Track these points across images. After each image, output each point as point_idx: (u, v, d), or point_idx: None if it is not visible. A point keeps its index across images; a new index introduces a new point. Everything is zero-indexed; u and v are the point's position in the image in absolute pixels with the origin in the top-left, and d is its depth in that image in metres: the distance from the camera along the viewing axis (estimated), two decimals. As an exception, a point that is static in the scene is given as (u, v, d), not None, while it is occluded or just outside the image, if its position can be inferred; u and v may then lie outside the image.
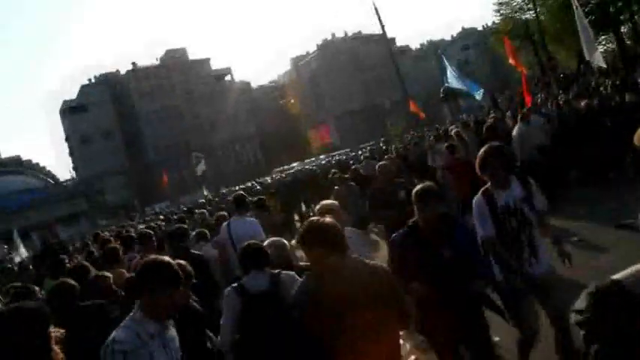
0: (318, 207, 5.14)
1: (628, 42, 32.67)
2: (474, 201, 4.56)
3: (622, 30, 33.28)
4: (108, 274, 5.55)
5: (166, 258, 3.22)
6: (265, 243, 4.68)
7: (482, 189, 4.53)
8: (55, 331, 2.45)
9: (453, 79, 20.55)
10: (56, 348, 2.39)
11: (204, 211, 13.78)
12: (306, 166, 30.56)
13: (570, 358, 4.22)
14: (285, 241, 4.80)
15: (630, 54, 26.12)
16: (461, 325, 3.99)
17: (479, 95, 20.40)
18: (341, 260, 3.26)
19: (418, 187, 4.05)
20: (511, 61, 18.29)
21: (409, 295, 3.82)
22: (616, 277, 1.31)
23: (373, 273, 3.33)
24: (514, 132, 12.22)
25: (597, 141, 11.87)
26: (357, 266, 3.33)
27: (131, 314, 3.13)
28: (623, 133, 7.98)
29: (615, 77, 15.67)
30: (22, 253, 19.56)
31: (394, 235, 4.26)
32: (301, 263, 4.73)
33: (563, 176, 11.79)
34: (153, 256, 3.30)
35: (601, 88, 15.43)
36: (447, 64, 21.24)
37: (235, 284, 4.16)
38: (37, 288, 5.08)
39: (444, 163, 11.61)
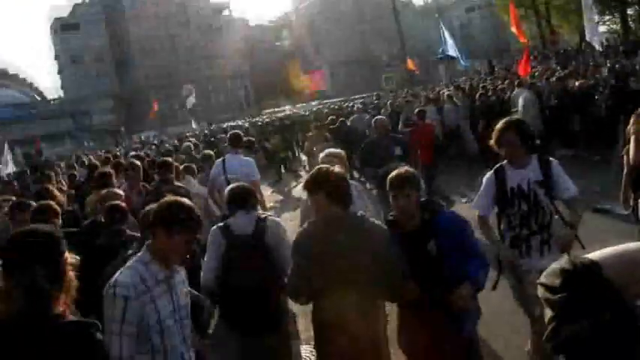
0: (323, 154, 4.93)
1: (632, 25, 32.37)
2: (485, 176, 4.17)
3: (628, 12, 32.95)
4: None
5: (186, 200, 2.99)
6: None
7: (497, 165, 4.14)
8: (72, 257, 2.22)
9: (447, 46, 21.36)
10: (71, 274, 2.18)
11: (190, 144, 13.76)
12: (298, 111, 30.53)
13: None
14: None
15: (633, 38, 25.98)
16: (443, 338, 3.36)
17: (465, 62, 21.57)
18: (342, 212, 3.23)
19: (392, 173, 3.51)
20: (514, 29, 18.23)
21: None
22: (592, 257, 1.22)
23: (372, 232, 3.27)
24: (520, 99, 12.18)
25: (586, 121, 12.01)
26: (358, 222, 3.28)
27: (139, 255, 2.88)
28: (618, 117, 8.09)
29: (615, 60, 15.66)
30: (11, 167, 19.33)
31: None
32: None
33: (549, 152, 11.95)
34: (172, 197, 3.01)
35: (602, 69, 15.36)
36: (445, 32, 21.84)
37: (221, 224, 4.15)
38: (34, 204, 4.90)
39: (411, 128, 11.07)
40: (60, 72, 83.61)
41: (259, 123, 26.79)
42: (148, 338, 2.71)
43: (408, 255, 3.30)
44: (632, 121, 4.91)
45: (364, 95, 41.26)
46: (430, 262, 3.32)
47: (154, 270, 2.78)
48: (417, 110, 11.54)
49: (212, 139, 19.69)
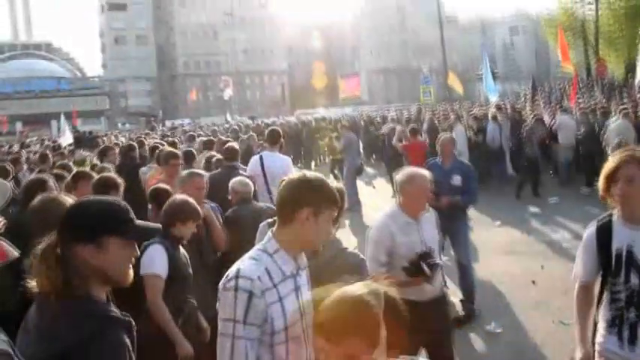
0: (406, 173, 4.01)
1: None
2: (586, 231, 3.06)
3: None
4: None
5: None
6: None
7: (602, 217, 3.01)
8: None
9: (484, 73, 21.84)
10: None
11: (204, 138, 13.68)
12: (332, 115, 30.50)
13: None
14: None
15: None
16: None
17: (493, 97, 21.68)
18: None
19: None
20: (560, 55, 17.99)
21: None
22: None
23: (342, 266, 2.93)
24: (610, 125, 11.71)
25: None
26: (333, 253, 3.04)
27: (262, 244, 2.35)
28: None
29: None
30: (69, 138, 19.59)
31: None
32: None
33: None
34: (301, 172, 2.40)
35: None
36: (486, 61, 22.24)
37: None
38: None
39: (403, 144, 12.17)
40: (103, 51, 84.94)
41: (293, 123, 26.75)
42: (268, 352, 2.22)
43: None
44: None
45: (400, 105, 41.08)
46: None
47: (282, 262, 2.27)
48: (410, 127, 12.41)
49: (243, 136, 19.50)
